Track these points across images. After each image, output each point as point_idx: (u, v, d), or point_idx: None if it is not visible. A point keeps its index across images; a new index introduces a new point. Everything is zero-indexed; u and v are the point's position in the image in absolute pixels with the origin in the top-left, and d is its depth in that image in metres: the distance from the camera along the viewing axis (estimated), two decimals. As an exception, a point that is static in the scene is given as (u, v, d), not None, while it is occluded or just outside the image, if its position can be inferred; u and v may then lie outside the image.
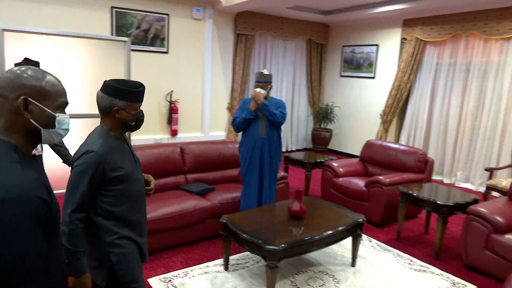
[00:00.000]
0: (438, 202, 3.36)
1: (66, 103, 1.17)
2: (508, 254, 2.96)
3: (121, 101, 1.64)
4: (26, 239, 0.96)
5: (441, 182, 6.14)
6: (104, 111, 1.66)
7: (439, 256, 3.44)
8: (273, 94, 7.38)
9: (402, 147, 4.64)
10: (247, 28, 6.96)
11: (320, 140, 8.01)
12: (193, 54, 6.59)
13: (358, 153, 7.51)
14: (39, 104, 1.07)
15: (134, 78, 3.67)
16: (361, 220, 3.14)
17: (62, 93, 1.15)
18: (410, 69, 6.57)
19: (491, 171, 4.87)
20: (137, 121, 1.74)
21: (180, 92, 6.53)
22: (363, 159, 5.01)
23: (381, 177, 4.14)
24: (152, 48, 6.15)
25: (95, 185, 1.61)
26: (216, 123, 7.11)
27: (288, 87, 8.01)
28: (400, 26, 6.78)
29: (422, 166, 4.41)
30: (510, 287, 2.13)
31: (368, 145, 5.00)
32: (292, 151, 8.13)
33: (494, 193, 4.75)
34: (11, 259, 0.94)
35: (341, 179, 4.60)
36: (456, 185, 6.04)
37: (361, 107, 7.62)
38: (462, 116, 6.09)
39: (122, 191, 1.68)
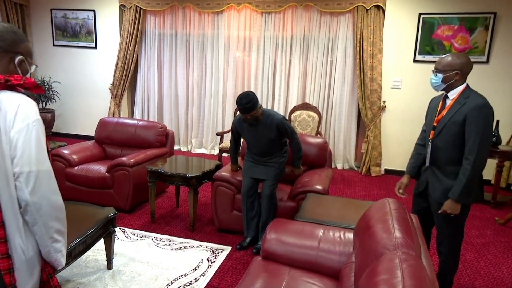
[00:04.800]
0: (188, 175, 3.31)
1: None
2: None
3: None
4: None
5: (179, 151, 6.34)
6: None
7: (194, 227, 3.45)
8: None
9: (140, 123, 4.35)
10: None
11: (40, 124, 6.63)
12: None
13: (92, 133, 6.71)
14: None
15: None
16: (112, 214, 2.67)
17: None
18: (134, 38, 6.24)
19: (221, 135, 5.35)
20: None
21: None
22: (99, 141, 4.41)
23: (124, 158, 3.74)
24: None
25: None
26: None
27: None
28: (117, -9, 6.27)
29: (164, 139, 4.29)
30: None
31: (103, 124, 4.43)
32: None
33: (225, 154, 5.28)
34: None
35: (76, 168, 3.88)
36: (193, 152, 6.40)
37: (86, 81, 6.75)
38: (189, 86, 6.38)
39: None
